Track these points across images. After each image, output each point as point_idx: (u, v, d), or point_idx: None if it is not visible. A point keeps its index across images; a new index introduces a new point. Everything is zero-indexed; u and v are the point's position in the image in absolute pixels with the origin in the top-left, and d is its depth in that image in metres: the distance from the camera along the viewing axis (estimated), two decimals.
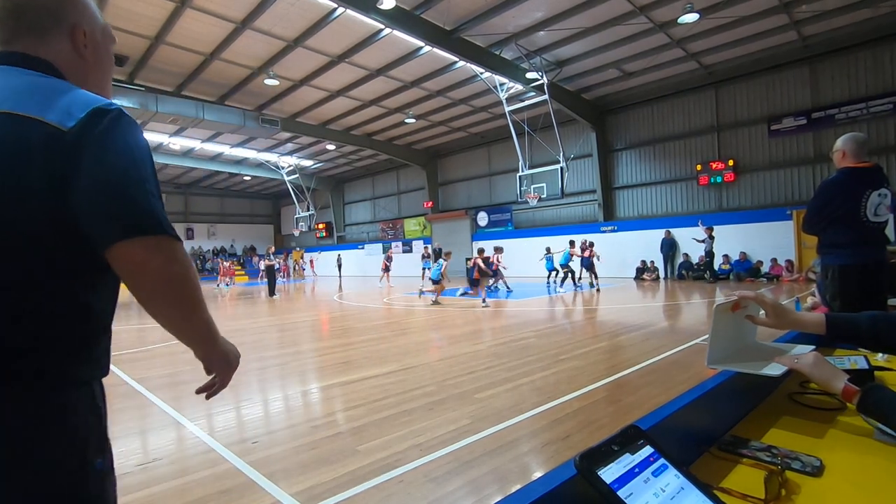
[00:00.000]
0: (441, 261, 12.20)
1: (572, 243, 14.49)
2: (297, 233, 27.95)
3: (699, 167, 16.16)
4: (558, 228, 19.64)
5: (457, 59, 13.63)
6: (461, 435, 3.08)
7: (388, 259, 20.40)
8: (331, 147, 23.34)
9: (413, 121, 19.49)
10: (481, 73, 14.60)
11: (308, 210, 26.70)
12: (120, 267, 0.81)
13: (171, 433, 3.40)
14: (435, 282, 12.00)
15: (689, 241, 15.69)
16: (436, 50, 12.80)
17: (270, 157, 25.06)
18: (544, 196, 15.84)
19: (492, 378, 4.49)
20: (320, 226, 31.86)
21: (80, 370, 0.84)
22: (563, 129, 16.81)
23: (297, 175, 26.67)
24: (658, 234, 16.67)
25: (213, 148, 23.10)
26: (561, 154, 15.27)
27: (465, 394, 4.01)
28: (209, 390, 1.07)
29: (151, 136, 20.86)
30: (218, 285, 22.99)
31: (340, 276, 24.16)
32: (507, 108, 15.82)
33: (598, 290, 13.33)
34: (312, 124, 19.79)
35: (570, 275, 14.46)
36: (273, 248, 17.15)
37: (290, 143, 22.79)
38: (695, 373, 4.39)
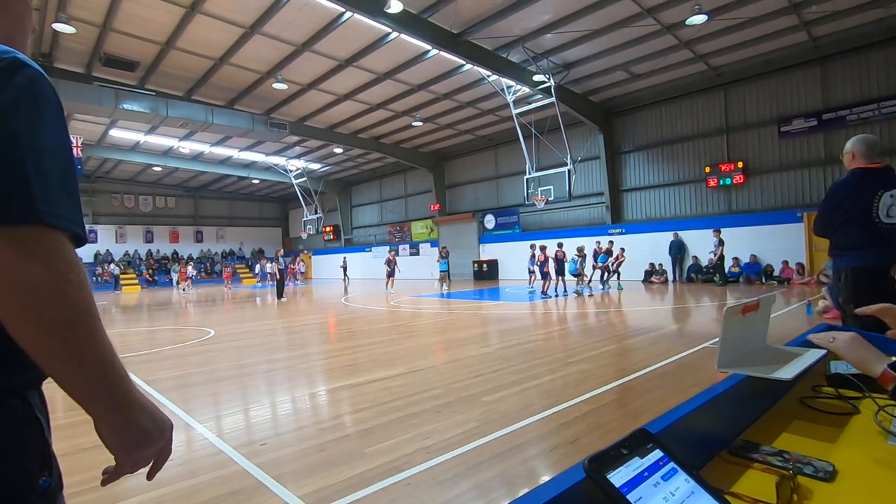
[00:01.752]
0: (576, 256, 13.86)
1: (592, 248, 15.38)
2: (304, 236, 28.10)
3: (708, 169, 16.05)
4: (566, 231, 19.59)
5: (464, 63, 13.65)
6: (469, 438, 3.07)
7: (389, 262, 17.87)
8: (338, 150, 23.46)
9: (420, 124, 19.55)
10: (488, 76, 14.61)
11: (316, 213, 26.84)
12: None
13: (180, 435, 3.42)
14: (578, 275, 13.95)
15: (698, 244, 15.59)
16: (443, 53, 12.84)
17: (279, 160, 25.25)
18: (552, 198, 15.80)
19: (499, 381, 4.48)
20: (328, 229, 32.02)
21: (8, 376, 0.70)
22: (570, 132, 16.79)
23: (304, 178, 26.85)
24: (666, 237, 16.57)
25: (222, 152, 23.31)
26: (568, 156, 15.22)
27: (472, 396, 4.01)
28: (109, 475, 0.75)
29: (162, 140, 21.14)
30: (182, 289, 23.37)
31: (346, 280, 24.17)
32: (514, 111, 15.83)
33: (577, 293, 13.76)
34: (320, 128, 19.91)
35: (603, 273, 15.13)
36: (283, 252, 17.20)
37: (298, 146, 22.95)
38: (705, 376, 4.35)
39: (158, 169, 26.67)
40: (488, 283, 19.70)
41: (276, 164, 26.04)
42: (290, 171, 26.71)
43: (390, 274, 17.81)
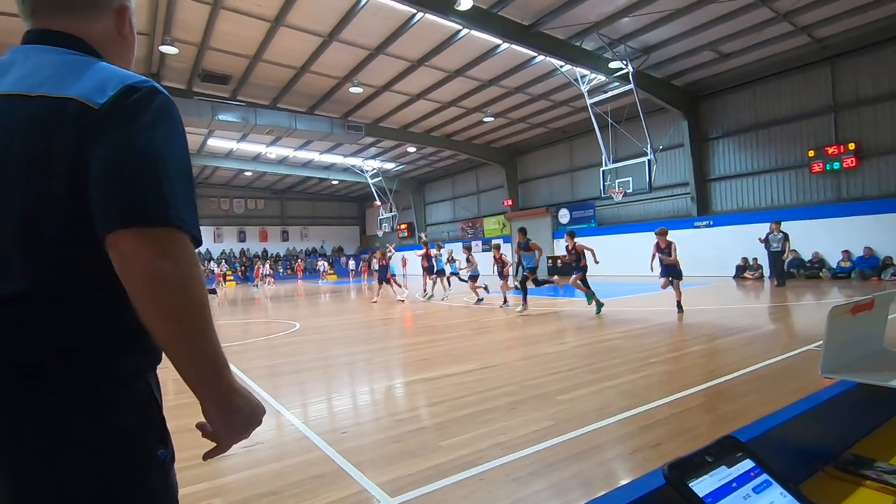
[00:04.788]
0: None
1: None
2: (380, 233, 29.08)
3: (812, 153, 14.47)
4: (646, 224, 18.58)
5: (536, 54, 13.38)
6: (544, 436, 3.02)
7: (381, 265, 14.39)
8: (412, 149, 23.99)
9: (491, 119, 19.45)
10: (561, 67, 14.21)
11: (391, 211, 27.67)
12: (112, 260, 0.71)
13: (271, 420, 3.68)
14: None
15: (801, 236, 14.12)
16: (514, 46, 12.67)
17: (356, 161, 26.31)
18: (630, 191, 15.06)
19: (575, 379, 4.36)
20: (402, 226, 32.88)
21: (133, 362, 0.80)
22: (650, 119, 15.85)
23: (380, 178, 27.75)
24: (761, 229, 15.16)
25: (304, 155, 24.72)
26: (648, 146, 14.42)
27: (547, 394, 3.94)
28: (211, 452, 0.84)
29: (252, 147, 22.82)
30: (256, 285, 25.22)
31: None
32: (589, 101, 15.25)
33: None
34: (394, 128, 20.46)
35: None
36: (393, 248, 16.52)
37: (373, 147, 23.75)
38: (807, 382, 3.95)
39: (249, 174, 28.87)
40: (563, 280, 19.18)
41: (353, 166, 27.15)
42: (367, 172, 27.73)
43: (384, 279, 14.24)
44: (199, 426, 0.84)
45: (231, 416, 0.79)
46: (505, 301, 11.09)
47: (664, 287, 8.71)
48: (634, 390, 3.98)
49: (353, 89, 15.61)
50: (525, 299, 9.75)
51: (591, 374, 4.55)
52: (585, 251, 9.48)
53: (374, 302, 13.58)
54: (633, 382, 4.22)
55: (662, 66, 14.91)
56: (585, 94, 15.14)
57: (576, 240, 9.58)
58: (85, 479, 0.73)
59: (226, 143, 22.11)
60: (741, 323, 7.06)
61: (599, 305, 8.95)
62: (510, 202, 24.80)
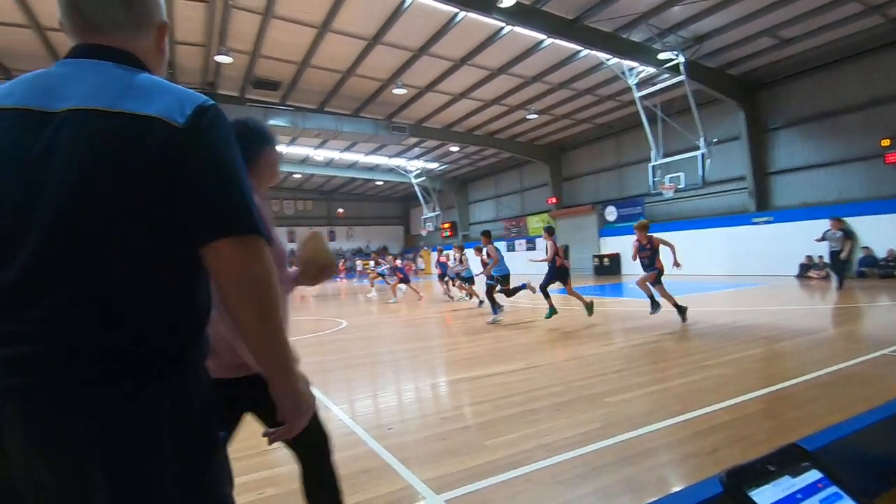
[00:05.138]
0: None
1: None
2: (424, 233, 29.33)
3: (886, 142, 13.36)
4: (699, 221, 17.80)
5: (581, 49, 13.09)
6: (591, 438, 2.96)
7: (396, 268, 15.05)
8: (455, 149, 24.04)
9: (535, 116, 19.20)
10: (607, 60, 13.82)
11: (434, 211, 27.85)
12: (208, 262, 0.81)
13: (320, 415, 3.79)
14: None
15: (873, 232, 13.10)
16: (558, 41, 12.44)
17: (400, 161, 26.67)
18: (682, 186, 14.46)
19: (624, 381, 4.24)
20: (445, 225, 33.01)
21: (195, 351, 0.87)
22: (703, 111, 15.14)
23: (423, 178, 27.98)
24: (828, 225, 14.18)
25: (350, 157, 25.30)
26: (701, 139, 13.79)
27: (594, 396, 3.85)
28: (277, 435, 0.97)
29: (300, 150, 23.58)
30: None
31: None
32: (637, 94, 14.76)
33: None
34: (437, 128, 20.57)
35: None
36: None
37: (417, 147, 23.98)
38: (880, 389, 3.66)
39: (298, 176, 29.85)
40: (610, 279, 18.71)
41: (397, 166, 27.54)
42: (410, 172, 28.05)
43: (404, 279, 14.38)
44: (266, 434, 0.98)
45: (298, 398, 0.92)
46: (480, 303, 11.12)
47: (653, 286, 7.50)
48: (687, 394, 3.82)
49: (397, 91, 15.82)
50: (494, 309, 8.81)
51: (640, 376, 4.41)
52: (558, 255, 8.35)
53: (420, 299, 14.04)
54: (686, 386, 4.05)
55: (716, 55, 14.22)
56: (633, 88, 14.66)
57: (554, 238, 8.52)
58: (168, 461, 0.78)
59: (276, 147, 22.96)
60: (804, 325, 6.64)
61: (552, 312, 8.25)
62: (555, 200, 24.39)
